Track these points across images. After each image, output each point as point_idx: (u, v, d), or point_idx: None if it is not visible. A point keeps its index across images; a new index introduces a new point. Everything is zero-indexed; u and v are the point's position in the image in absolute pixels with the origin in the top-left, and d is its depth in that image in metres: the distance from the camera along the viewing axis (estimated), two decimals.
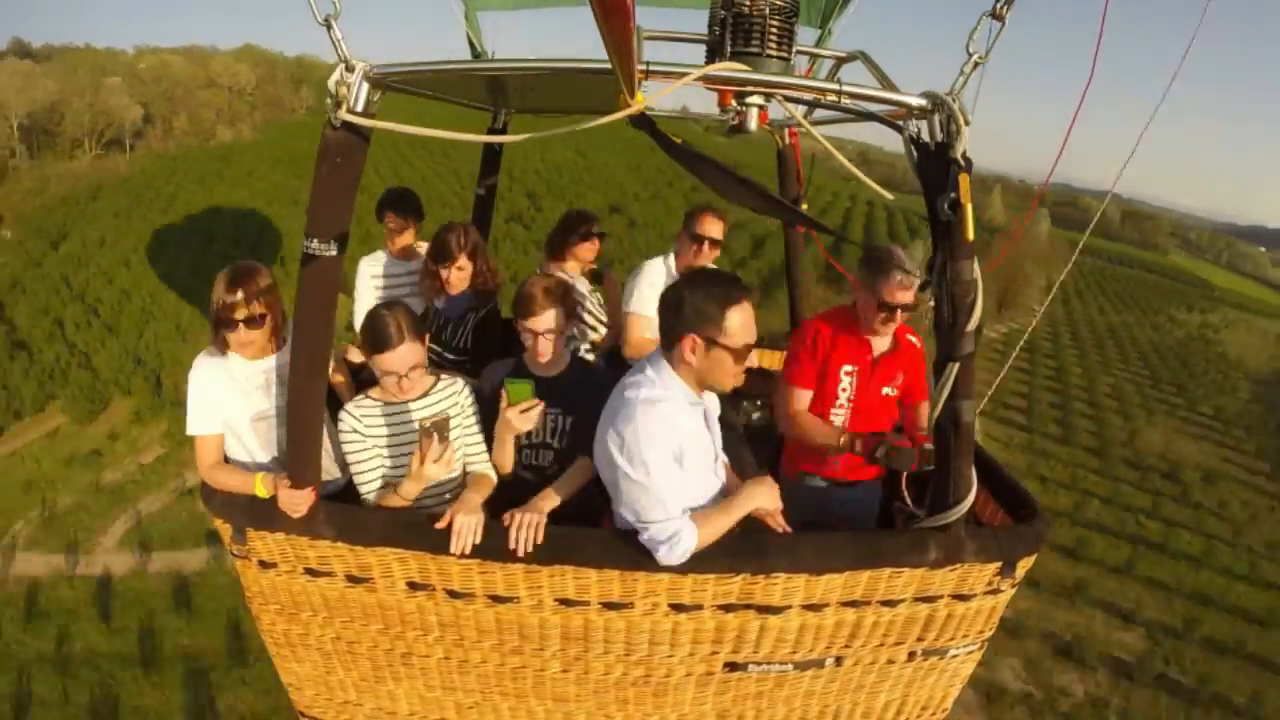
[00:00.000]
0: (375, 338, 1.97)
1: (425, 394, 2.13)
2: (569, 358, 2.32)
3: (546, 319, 2.15)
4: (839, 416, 2.52)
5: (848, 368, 2.50)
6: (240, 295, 2.01)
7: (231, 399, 2.10)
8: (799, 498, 2.50)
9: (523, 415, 2.02)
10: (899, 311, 2.39)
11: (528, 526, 1.76)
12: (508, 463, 2.18)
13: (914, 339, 2.58)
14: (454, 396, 2.16)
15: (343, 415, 2.08)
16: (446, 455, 1.90)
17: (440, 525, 1.77)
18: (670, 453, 1.73)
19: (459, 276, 2.73)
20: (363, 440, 2.06)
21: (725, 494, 1.92)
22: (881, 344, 2.51)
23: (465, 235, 2.73)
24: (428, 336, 2.14)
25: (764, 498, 1.85)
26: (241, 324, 2.03)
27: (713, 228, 3.00)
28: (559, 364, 2.27)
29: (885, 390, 2.54)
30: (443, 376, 2.20)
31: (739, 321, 1.72)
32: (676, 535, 1.69)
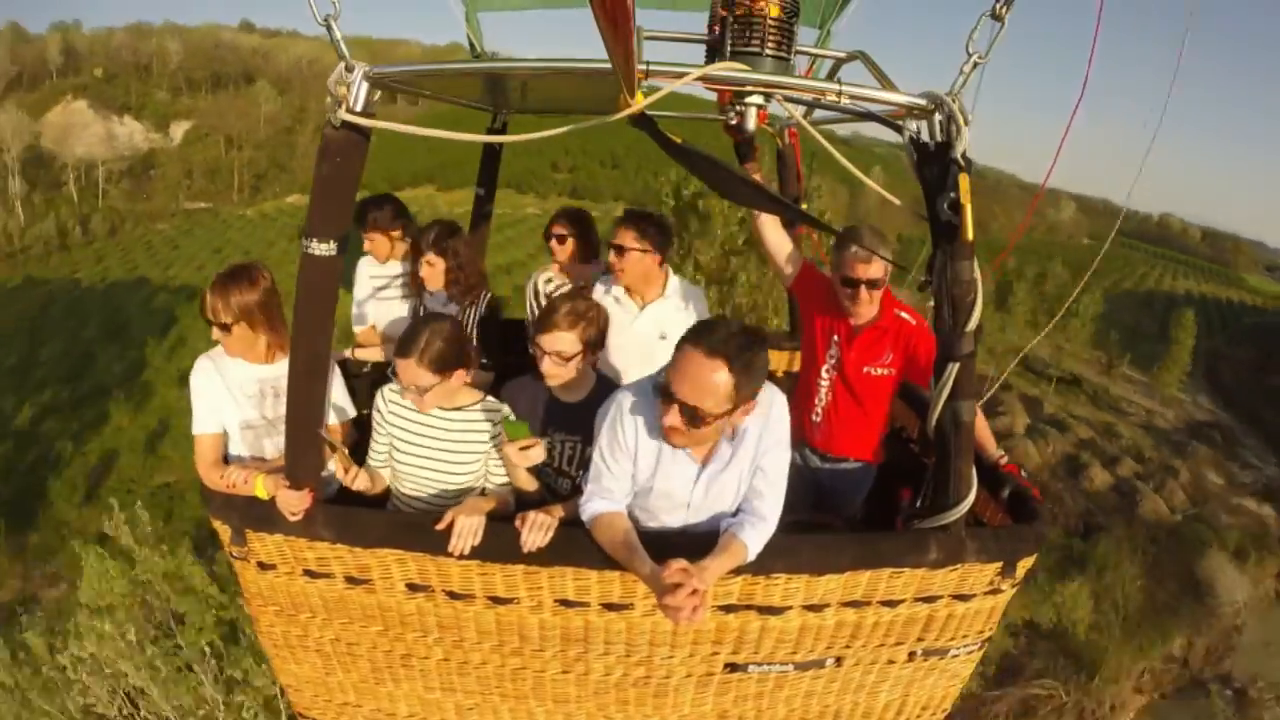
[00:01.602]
0: (399, 340, 1.99)
1: (458, 409, 2.08)
2: (594, 382, 2.18)
3: (557, 340, 2.03)
4: (823, 384, 2.54)
5: (835, 337, 2.50)
6: (219, 300, 2.04)
7: (224, 401, 2.13)
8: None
9: (521, 453, 1.95)
10: (862, 288, 2.36)
11: (540, 526, 1.75)
12: (525, 485, 2.11)
13: (907, 315, 2.43)
14: (486, 421, 2.08)
15: (379, 391, 2.14)
16: (342, 466, 1.99)
17: (440, 526, 1.77)
18: (624, 439, 1.76)
19: (429, 272, 2.76)
20: (381, 424, 2.13)
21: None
22: (859, 317, 2.44)
23: (436, 232, 2.73)
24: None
25: (655, 583, 1.58)
26: (216, 327, 2.06)
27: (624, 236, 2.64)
28: (581, 389, 2.15)
29: (868, 369, 2.45)
30: (487, 398, 2.12)
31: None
32: (591, 500, 1.79)
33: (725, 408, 1.57)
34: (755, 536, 1.73)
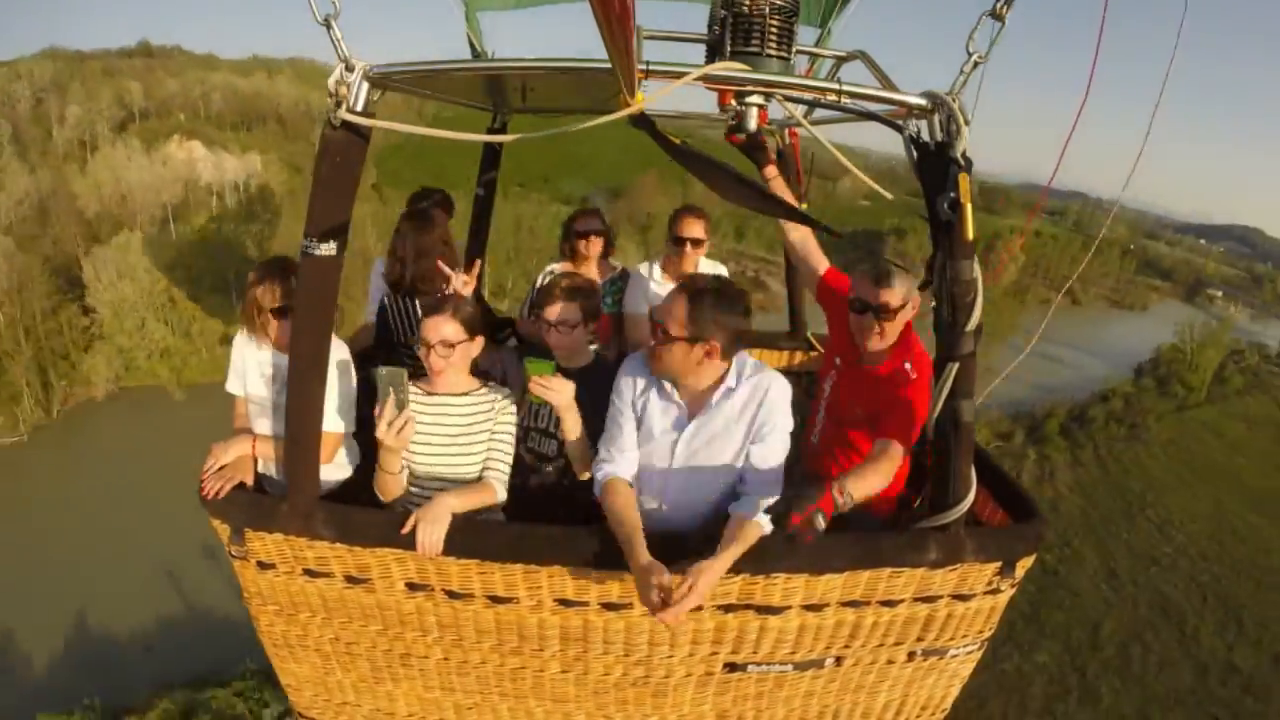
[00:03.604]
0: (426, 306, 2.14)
1: (465, 394, 2.13)
2: (591, 356, 2.36)
3: (562, 310, 2.24)
4: (821, 407, 2.41)
5: (838, 360, 2.36)
6: (276, 288, 2.09)
7: (247, 372, 2.27)
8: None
9: (545, 390, 2.02)
10: (870, 315, 2.12)
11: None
12: (572, 433, 2.17)
13: (910, 369, 2.12)
14: (493, 405, 2.14)
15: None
16: (398, 423, 1.90)
17: (405, 530, 1.76)
18: (626, 391, 2.01)
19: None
20: None
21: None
22: (872, 352, 2.20)
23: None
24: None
25: (643, 576, 1.65)
26: (270, 313, 2.10)
27: (693, 228, 3.01)
28: (579, 358, 2.32)
29: (854, 406, 2.22)
30: (490, 384, 2.20)
31: None
32: (602, 464, 1.95)
33: (681, 332, 1.81)
34: (763, 507, 1.78)
